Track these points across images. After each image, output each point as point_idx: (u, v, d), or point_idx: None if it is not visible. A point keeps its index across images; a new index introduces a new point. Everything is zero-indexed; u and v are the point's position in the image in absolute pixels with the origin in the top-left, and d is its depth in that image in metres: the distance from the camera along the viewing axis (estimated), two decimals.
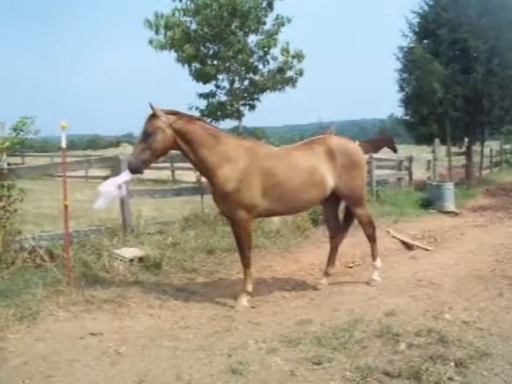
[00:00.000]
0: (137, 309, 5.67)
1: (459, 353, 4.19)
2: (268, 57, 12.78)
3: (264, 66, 12.92)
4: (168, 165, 19.87)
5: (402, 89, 18.61)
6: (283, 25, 12.55)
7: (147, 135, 5.60)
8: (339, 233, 6.89)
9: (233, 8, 11.78)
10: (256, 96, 13.25)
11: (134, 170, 5.67)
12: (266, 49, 12.55)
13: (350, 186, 6.42)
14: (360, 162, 6.62)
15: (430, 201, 12.91)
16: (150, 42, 12.30)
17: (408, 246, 8.99)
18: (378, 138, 20.24)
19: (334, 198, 6.59)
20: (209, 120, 12.39)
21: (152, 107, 5.59)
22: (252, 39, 12.68)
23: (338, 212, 6.99)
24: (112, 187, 5.79)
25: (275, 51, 12.73)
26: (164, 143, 5.63)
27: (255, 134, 12.87)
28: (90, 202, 5.80)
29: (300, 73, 12.92)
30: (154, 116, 5.60)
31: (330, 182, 6.28)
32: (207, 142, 5.74)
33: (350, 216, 6.87)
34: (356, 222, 6.88)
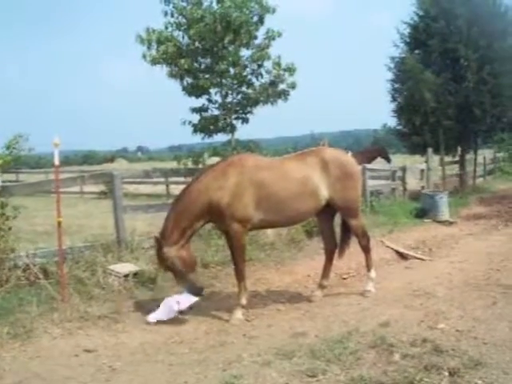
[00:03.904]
0: (132, 324, 5.67)
1: (453, 362, 4.20)
2: (261, 70, 12.83)
3: (257, 79, 12.96)
4: (162, 180, 19.89)
5: (394, 99, 18.68)
6: (274, 39, 12.62)
7: (171, 269, 5.89)
8: (342, 245, 6.90)
9: (227, 22, 11.85)
10: (249, 109, 13.28)
11: (196, 294, 5.88)
12: (259, 62, 12.60)
13: (344, 197, 6.43)
14: (354, 174, 6.65)
15: (424, 210, 12.91)
16: (144, 56, 12.35)
17: (402, 256, 9.01)
18: (370, 148, 20.34)
19: (328, 210, 6.60)
20: (202, 135, 12.48)
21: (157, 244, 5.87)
22: (244, 53, 12.74)
23: (333, 224, 7.00)
24: (175, 305, 5.84)
25: (268, 64, 12.79)
26: (183, 260, 5.81)
27: (249, 146, 12.83)
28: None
29: (292, 86, 12.97)
30: (159, 253, 5.84)
31: (324, 192, 6.29)
32: (191, 198, 5.90)
33: (347, 229, 6.86)
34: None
